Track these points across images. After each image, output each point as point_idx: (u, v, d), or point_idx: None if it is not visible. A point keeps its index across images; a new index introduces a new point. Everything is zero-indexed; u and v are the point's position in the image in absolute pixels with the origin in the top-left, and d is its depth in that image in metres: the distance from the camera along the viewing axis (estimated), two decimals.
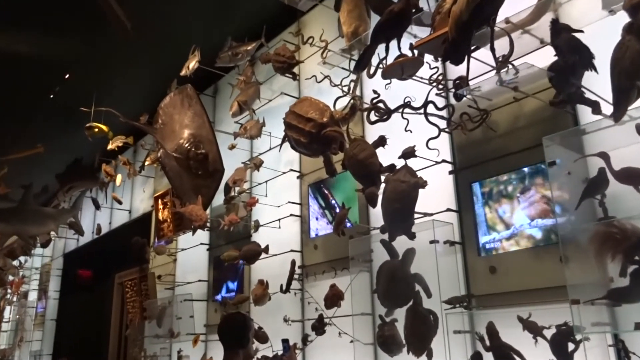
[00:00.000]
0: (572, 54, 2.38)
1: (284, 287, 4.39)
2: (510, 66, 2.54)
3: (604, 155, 2.51)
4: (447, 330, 3.13)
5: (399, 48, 3.24)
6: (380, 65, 3.53)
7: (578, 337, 2.50)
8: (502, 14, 2.69)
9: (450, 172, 3.60)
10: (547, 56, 2.71)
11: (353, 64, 4.15)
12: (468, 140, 3.53)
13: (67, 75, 6.50)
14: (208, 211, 5.27)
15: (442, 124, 3.48)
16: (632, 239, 2.27)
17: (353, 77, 4.15)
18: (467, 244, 3.43)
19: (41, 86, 6.70)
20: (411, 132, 3.41)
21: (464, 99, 3.22)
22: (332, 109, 3.83)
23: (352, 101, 3.90)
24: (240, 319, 3.25)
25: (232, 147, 5.16)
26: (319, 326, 3.95)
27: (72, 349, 9.69)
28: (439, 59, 3.62)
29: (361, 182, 3.55)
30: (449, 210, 3.50)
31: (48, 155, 9.19)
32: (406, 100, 3.48)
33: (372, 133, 4.08)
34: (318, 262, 4.45)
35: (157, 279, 6.36)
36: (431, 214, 3.47)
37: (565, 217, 2.53)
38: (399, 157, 3.35)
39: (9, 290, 12.33)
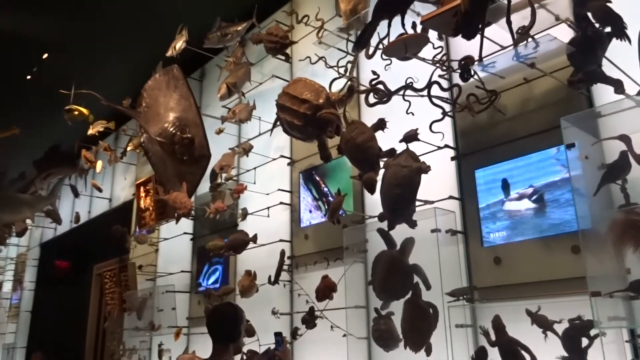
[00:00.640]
0: (603, 23, 2.19)
1: (272, 279, 4.18)
2: (528, 40, 2.35)
3: (626, 138, 2.35)
4: (449, 324, 2.94)
5: (403, 25, 3.04)
6: (380, 45, 3.35)
7: (593, 332, 2.34)
8: None
9: (452, 158, 3.42)
10: (560, 34, 2.54)
11: (350, 45, 3.97)
12: (472, 125, 3.36)
13: (45, 55, 6.18)
14: (193, 199, 5.04)
15: (446, 107, 3.31)
16: None
17: (350, 58, 3.96)
18: (470, 234, 3.25)
19: (18, 66, 6.37)
20: (413, 114, 3.22)
21: (471, 79, 3.03)
22: (328, 90, 3.63)
23: (349, 83, 3.69)
24: (231, 310, 3.05)
25: (220, 131, 4.92)
26: (310, 319, 3.75)
27: (48, 342, 9.37)
28: (444, 37, 3.46)
29: (359, 167, 3.35)
30: (451, 198, 3.32)
31: (25, 140, 8.84)
32: (408, 82, 3.28)
33: (368, 118, 3.89)
34: (309, 253, 4.24)
35: (138, 269, 6.10)
36: (432, 202, 3.29)
37: (583, 203, 2.36)
38: (400, 141, 3.15)
39: None
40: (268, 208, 4.53)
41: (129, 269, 6.12)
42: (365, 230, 3.75)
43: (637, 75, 2.36)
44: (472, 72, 2.97)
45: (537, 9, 2.69)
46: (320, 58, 4.09)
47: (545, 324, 2.59)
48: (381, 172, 3.19)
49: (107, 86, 6.35)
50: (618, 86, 2.30)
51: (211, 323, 3.01)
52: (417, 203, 3.10)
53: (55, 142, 7.83)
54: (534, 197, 2.99)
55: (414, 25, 3.04)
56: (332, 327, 3.65)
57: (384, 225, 3.30)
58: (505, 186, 3.16)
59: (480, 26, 2.50)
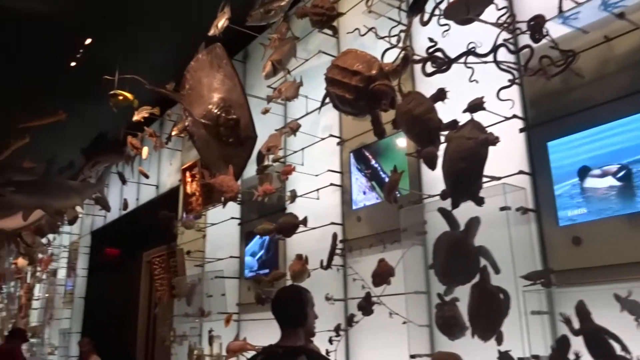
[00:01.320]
0: None
1: (324, 263, 3.98)
2: None
3: None
4: (525, 311, 2.67)
5: None
6: (436, 11, 3.08)
7: None
8: None
9: (521, 130, 3.12)
10: None
11: (402, 13, 3.71)
12: (543, 92, 3.05)
13: (88, 41, 6.14)
14: (239, 182, 4.90)
15: (514, 73, 3.00)
16: None
17: (402, 27, 3.68)
18: (544, 212, 2.96)
19: (62, 53, 6.36)
20: (477, 82, 2.93)
21: (543, 40, 2.71)
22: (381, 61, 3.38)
23: (403, 52, 3.42)
24: (295, 292, 2.98)
25: (266, 111, 4.74)
26: (367, 305, 3.54)
27: (101, 327, 9.55)
28: None
29: (417, 141, 3.10)
30: (521, 173, 3.02)
31: (72, 128, 8.94)
32: (470, 47, 2.99)
33: (423, 90, 3.61)
34: (363, 236, 4.02)
35: (186, 255, 6.04)
36: (499, 178, 3.00)
37: None
38: (463, 111, 2.88)
39: (38, 268, 12.30)
40: (317, 190, 4.33)
41: (177, 255, 6.07)
42: (424, 211, 3.50)
43: None
44: (545, 32, 2.66)
45: None
46: (370, 29, 3.82)
47: (637, 311, 2.30)
48: (442, 147, 2.95)
49: (150, 70, 6.26)
50: None
51: (276, 306, 2.89)
52: (483, 179, 2.85)
53: (101, 130, 7.87)
54: (621, 174, 2.67)
55: None
56: (390, 313, 3.43)
57: (446, 204, 3.05)
58: (582, 158, 2.85)
59: None
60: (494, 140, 2.71)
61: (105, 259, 10.25)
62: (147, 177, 7.33)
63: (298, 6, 4.63)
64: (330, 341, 3.76)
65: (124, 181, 7.71)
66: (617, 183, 2.68)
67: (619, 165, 2.68)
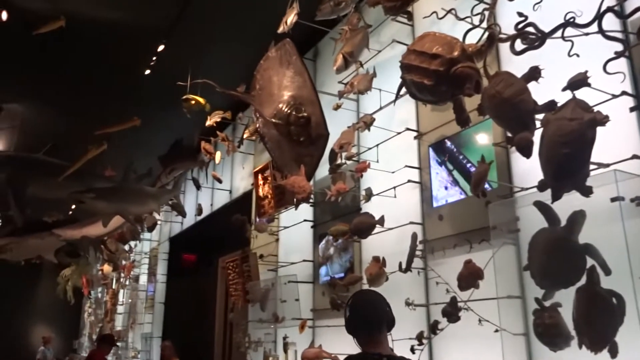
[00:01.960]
0: None
1: (403, 266, 3.69)
2: None
3: None
4: None
5: None
6: None
7: None
8: None
9: (632, 109, 2.71)
10: None
11: None
12: None
13: (161, 47, 6.21)
14: (311, 182, 4.72)
15: (618, 46, 2.62)
16: None
17: (485, 5, 3.35)
18: None
19: (135, 60, 6.48)
20: (578, 56, 2.57)
21: None
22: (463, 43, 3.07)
23: (488, 31, 3.10)
24: (376, 294, 2.83)
25: (337, 107, 4.52)
26: (452, 311, 3.22)
27: (180, 332, 9.69)
28: None
29: (508, 127, 2.78)
30: (635, 157, 2.61)
31: (149, 137, 9.18)
32: (569, 17, 2.63)
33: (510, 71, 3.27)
34: (445, 236, 3.70)
35: (259, 259, 5.93)
36: (607, 165, 2.61)
37: None
38: (564, 89, 2.53)
39: (122, 274, 12.76)
40: (394, 188, 4.05)
41: (251, 259, 5.97)
42: (516, 206, 3.13)
43: None
44: None
45: None
46: (450, 11, 3.52)
47: None
48: (537, 132, 2.60)
49: (220, 75, 6.26)
50: None
51: (360, 309, 2.71)
52: (590, 167, 2.48)
53: (177, 137, 7.99)
54: None
55: None
56: (480, 320, 3.09)
57: (544, 196, 2.70)
58: None
59: None
60: (603, 120, 2.35)
61: (183, 264, 10.43)
62: (220, 181, 7.33)
63: None
64: (413, 350, 3.47)
65: (198, 187, 7.78)
66: None
67: None
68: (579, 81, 2.48)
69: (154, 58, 6.45)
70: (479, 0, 3.42)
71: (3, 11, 5.63)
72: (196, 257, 10.32)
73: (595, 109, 2.49)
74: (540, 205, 2.76)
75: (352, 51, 4.28)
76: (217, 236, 8.36)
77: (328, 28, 5.15)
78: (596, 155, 2.45)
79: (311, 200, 5.31)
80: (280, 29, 4.86)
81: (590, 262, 2.58)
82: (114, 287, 13.76)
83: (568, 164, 2.39)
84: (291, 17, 4.74)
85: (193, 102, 6.08)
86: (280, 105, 4.74)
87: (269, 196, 5.76)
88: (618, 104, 2.65)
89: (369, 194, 4.10)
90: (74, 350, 19.89)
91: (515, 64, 2.96)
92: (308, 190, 4.34)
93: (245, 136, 6.42)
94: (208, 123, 6.95)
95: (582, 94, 2.53)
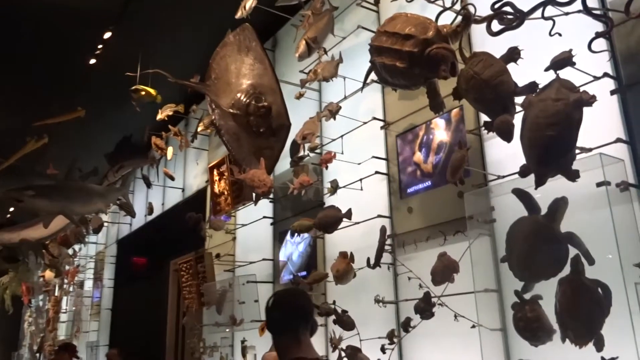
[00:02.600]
0: None
1: (372, 261, 3.50)
2: None
3: None
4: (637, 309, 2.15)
5: None
6: None
7: None
8: None
9: (612, 92, 2.60)
10: None
11: None
12: (637, 46, 2.53)
13: (108, 35, 5.80)
14: (272, 177, 4.47)
15: (599, 26, 2.52)
16: None
17: None
18: None
19: (81, 47, 6.04)
20: (560, 35, 2.44)
21: None
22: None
23: (463, 11, 2.95)
24: (300, 291, 2.61)
25: (300, 96, 4.30)
26: (426, 307, 3.04)
27: (129, 339, 9.19)
28: None
29: (487, 110, 2.64)
30: (619, 141, 2.50)
31: (96, 133, 8.67)
32: None
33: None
34: (415, 229, 3.53)
35: (215, 259, 5.62)
36: (590, 149, 2.50)
37: None
38: (547, 69, 2.40)
39: (65, 280, 12.06)
40: (361, 180, 3.86)
41: (206, 259, 5.65)
42: (491, 196, 3.00)
43: None
44: None
45: None
46: None
47: None
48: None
49: (173, 64, 5.93)
50: None
51: (284, 309, 2.25)
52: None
53: (125, 134, 7.56)
54: None
55: None
56: (455, 316, 2.93)
57: (522, 184, 2.57)
58: None
59: None
60: (590, 100, 2.23)
61: (133, 268, 9.93)
62: (172, 179, 6.96)
63: None
64: (383, 350, 3.29)
65: (148, 184, 7.38)
66: None
67: None
68: (563, 60, 2.36)
69: (100, 46, 6.03)
70: None
71: None
72: (147, 260, 9.85)
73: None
74: (519, 193, 2.63)
75: (316, 36, 4.07)
76: (169, 238, 7.96)
77: (289, 15, 4.92)
78: (578, 139, 2.33)
79: (271, 196, 5.07)
80: (239, 14, 4.61)
81: (572, 252, 2.47)
82: (56, 294, 13.00)
83: (554, 146, 2.26)
84: (250, 2, 4.50)
85: (143, 92, 5.73)
86: (239, 95, 4.48)
87: (226, 192, 5.47)
88: (599, 87, 2.54)
89: (335, 186, 3.89)
90: None
91: (488, 48, 2.82)
92: (269, 184, 4.10)
93: (199, 129, 6.10)
94: (159, 117, 6.59)
95: (563, 75, 2.41)
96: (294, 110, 4.30)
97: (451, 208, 3.25)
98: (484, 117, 2.96)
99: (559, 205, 2.51)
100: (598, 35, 2.33)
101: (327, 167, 3.97)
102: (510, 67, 2.60)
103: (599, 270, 2.33)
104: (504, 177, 2.90)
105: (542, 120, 2.29)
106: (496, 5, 2.70)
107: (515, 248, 2.64)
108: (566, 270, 2.46)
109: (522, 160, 2.50)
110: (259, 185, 4.12)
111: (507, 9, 2.68)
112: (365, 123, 4.00)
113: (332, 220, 3.68)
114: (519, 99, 2.57)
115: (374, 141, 4.01)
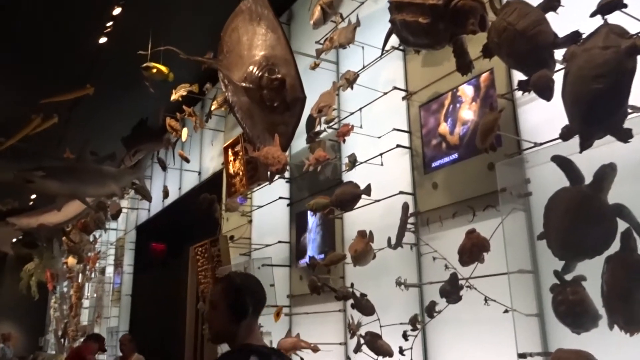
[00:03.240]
0: None
1: (393, 241, 3.23)
2: None
3: None
4: None
5: None
6: None
7: None
8: None
9: None
10: None
11: None
12: None
13: (117, 10, 5.58)
14: (287, 154, 4.22)
15: None
16: None
17: None
18: None
19: (89, 25, 5.83)
20: None
21: None
22: None
23: None
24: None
25: (315, 65, 4.02)
26: (452, 290, 2.76)
27: (147, 325, 9.10)
28: None
29: (523, 66, 2.34)
30: None
31: (110, 116, 8.53)
32: None
33: None
34: (440, 206, 3.24)
35: (230, 241, 5.41)
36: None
37: None
38: (592, 14, 2.07)
39: (87, 267, 12.07)
40: (381, 154, 3.57)
41: (221, 242, 5.44)
42: (525, 166, 2.69)
43: None
44: None
45: None
46: None
47: None
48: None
49: (185, 43, 5.71)
50: None
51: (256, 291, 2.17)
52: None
53: (141, 118, 7.40)
54: None
55: None
56: (486, 300, 2.64)
57: (564, 151, 2.26)
58: None
59: None
60: None
61: (152, 254, 9.83)
62: (187, 161, 6.76)
63: None
64: (405, 336, 3.01)
65: (164, 167, 7.21)
66: None
67: None
68: (612, 3, 2.03)
69: (110, 23, 5.82)
70: None
71: None
72: (165, 246, 9.73)
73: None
74: (560, 160, 2.31)
75: (332, 1, 3.77)
76: (187, 223, 7.79)
77: None
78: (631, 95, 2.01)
79: (287, 176, 4.83)
80: None
81: (621, 226, 2.16)
82: (79, 280, 13.04)
83: (602, 102, 1.95)
84: None
85: (154, 70, 5.51)
86: (251, 68, 4.22)
87: (241, 173, 5.23)
88: None
89: (353, 161, 3.60)
90: (40, 348, 19.08)
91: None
92: (283, 160, 3.85)
93: (213, 108, 5.86)
94: (173, 97, 6.37)
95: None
96: (309, 83, 4.02)
97: (480, 182, 2.95)
98: (518, 77, 2.66)
99: (606, 173, 2.20)
100: None
101: (344, 141, 3.69)
102: (549, 16, 2.29)
103: None
104: (540, 144, 2.58)
105: (588, 71, 1.98)
106: None
107: (555, 223, 2.33)
108: (614, 247, 2.17)
109: (561, 126, 2.20)
110: (273, 162, 3.87)
111: None
112: (385, 93, 3.70)
113: (350, 197, 3.41)
114: (559, 53, 2.26)
115: (395, 113, 3.71)
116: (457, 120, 3.28)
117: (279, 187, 4.98)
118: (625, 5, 2.02)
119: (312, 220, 4.51)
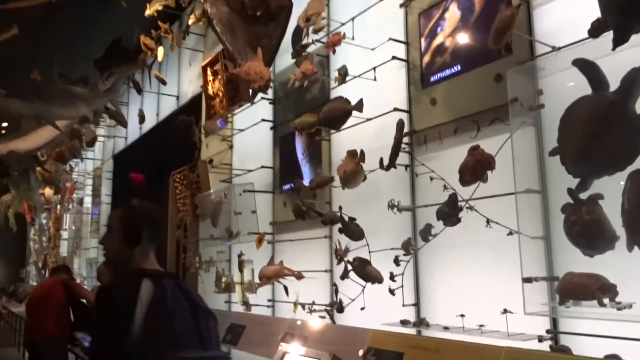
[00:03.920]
0: None
1: (385, 162, 2.96)
2: None
3: None
4: None
5: None
6: None
7: None
8: None
9: None
10: None
11: None
12: None
13: None
14: (271, 69, 3.87)
15: None
16: None
17: None
18: None
19: None
20: None
21: None
22: None
23: None
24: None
25: None
26: (450, 212, 2.53)
27: None
28: None
29: None
30: None
31: (82, 38, 7.99)
32: None
33: None
34: (439, 123, 2.95)
35: (210, 166, 5.12)
36: None
37: None
38: None
39: (65, 198, 11.75)
40: (374, 68, 3.24)
41: (200, 167, 5.15)
42: (539, 75, 2.40)
43: None
44: None
45: None
46: None
47: None
48: None
49: None
50: None
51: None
52: None
53: (114, 38, 6.89)
54: None
55: None
56: (488, 221, 2.42)
57: (587, 50, 1.97)
58: None
59: None
60: None
61: (132, 185, 9.52)
62: (164, 83, 6.34)
63: None
64: (397, 261, 2.81)
65: (139, 90, 6.79)
66: None
67: None
68: None
69: None
70: None
71: None
72: (144, 176, 9.41)
73: None
74: (583, 63, 2.03)
75: None
76: (166, 150, 7.43)
77: None
78: None
79: (270, 96, 4.49)
80: None
81: None
82: (57, 212, 12.75)
83: None
84: None
85: None
86: None
87: (220, 94, 4.86)
88: None
89: (344, 73, 3.27)
90: (21, 279, 19.04)
91: None
92: (267, 76, 3.52)
93: (190, 22, 5.41)
94: (147, 12, 5.89)
95: None
96: None
97: (486, 96, 2.66)
98: None
99: (636, 77, 1.93)
100: None
101: (334, 52, 3.34)
102: None
103: None
104: (559, 48, 2.28)
105: None
106: None
107: (573, 135, 2.07)
108: (637, 164, 1.93)
109: (580, 30, 1.90)
110: (255, 78, 3.54)
111: None
112: (380, 1, 3.32)
113: (340, 113, 3.10)
114: None
115: (392, 22, 3.34)
116: (461, 28, 2.94)
117: (262, 109, 4.65)
118: None
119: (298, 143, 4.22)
